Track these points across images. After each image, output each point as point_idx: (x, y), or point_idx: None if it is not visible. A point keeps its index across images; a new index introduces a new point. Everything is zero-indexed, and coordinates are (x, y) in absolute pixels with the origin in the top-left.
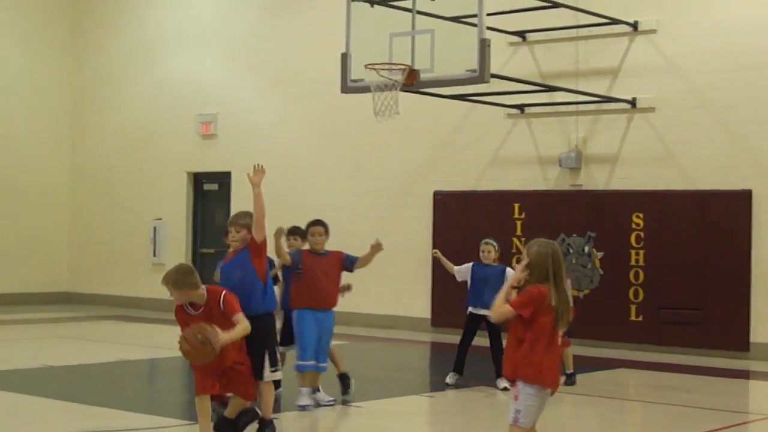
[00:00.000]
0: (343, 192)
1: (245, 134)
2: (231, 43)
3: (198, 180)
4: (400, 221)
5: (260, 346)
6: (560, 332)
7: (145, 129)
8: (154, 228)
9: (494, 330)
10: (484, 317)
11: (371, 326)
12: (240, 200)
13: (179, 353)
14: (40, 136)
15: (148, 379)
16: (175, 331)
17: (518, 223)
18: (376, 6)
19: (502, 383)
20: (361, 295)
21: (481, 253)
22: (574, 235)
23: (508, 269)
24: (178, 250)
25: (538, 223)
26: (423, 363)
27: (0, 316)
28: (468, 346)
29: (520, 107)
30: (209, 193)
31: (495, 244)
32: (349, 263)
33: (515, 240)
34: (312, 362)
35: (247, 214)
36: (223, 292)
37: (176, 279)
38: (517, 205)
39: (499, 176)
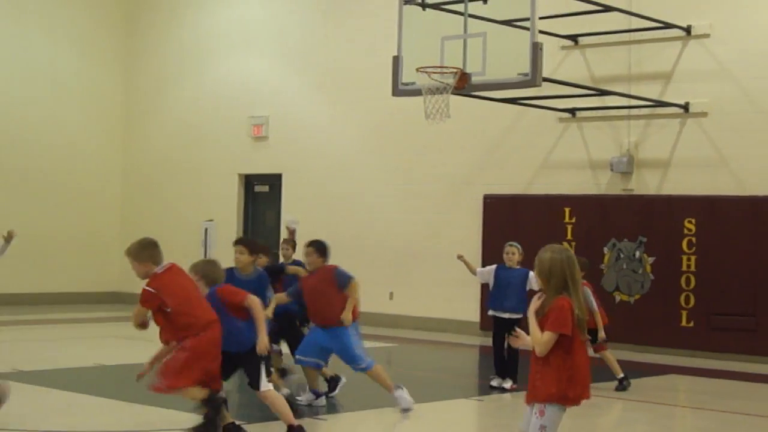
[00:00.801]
0: (393, 195)
1: (296, 137)
2: (283, 46)
3: (249, 182)
4: (449, 225)
5: (255, 360)
6: (582, 340)
7: (197, 131)
8: (206, 229)
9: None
10: (510, 320)
11: (420, 329)
12: (290, 202)
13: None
14: (94, 138)
15: None
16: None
17: (569, 227)
18: (428, 9)
19: (507, 383)
20: (410, 298)
21: (504, 255)
22: (625, 240)
23: (531, 273)
24: (228, 252)
25: (588, 228)
26: (472, 366)
27: (53, 315)
28: (502, 349)
29: (572, 111)
30: (260, 194)
31: (519, 246)
32: (341, 282)
33: (565, 244)
34: (309, 359)
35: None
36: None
37: (137, 251)
38: (567, 210)
39: (549, 180)
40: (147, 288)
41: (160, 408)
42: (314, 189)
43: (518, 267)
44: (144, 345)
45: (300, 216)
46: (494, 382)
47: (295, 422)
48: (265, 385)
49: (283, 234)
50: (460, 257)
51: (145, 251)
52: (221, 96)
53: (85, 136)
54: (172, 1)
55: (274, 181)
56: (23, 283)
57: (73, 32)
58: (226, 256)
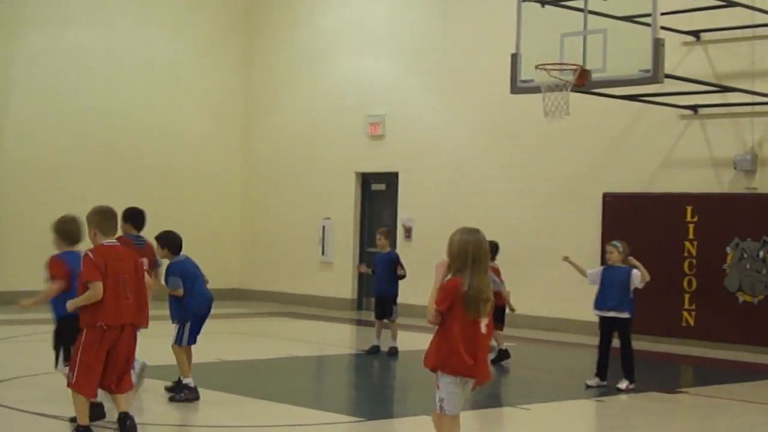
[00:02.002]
0: (510, 193)
1: (413, 135)
2: (400, 44)
3: (366, 180)
4: (568, 223)
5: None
6: (481, 320)
7: (315, 129)
8: (323, 227)
9: (624, 333)
10: (615, 319)
11: (536, 329)
12: (407, 200)
13: (347, 351)
14: (214, 137)
15: (317, 376)
16: (340, 329)
17: (690, 226)
18: (547, 6)
19: (623, 384)
20: (526, 298)
21: (606, 255)
22: (749, 239)
23: (634, 271)
24: (345, 249)
25: (711, 227)
26: (591, 366)
27: None
28: (606, 349)
29: (694, 108)
30: (377, 193)
31: (619, 245)
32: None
33: (687, 244)
34: None
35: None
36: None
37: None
38: (689, 208)
39: (671, 178)
40: None
41: (278, 403)
42: (430, 187)
43: (621, 266)
44: (264, 341)
45: (416, 214)
46: (590, 381)
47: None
48: (61, 368)
49: (400, 232)
50: (565, 259)
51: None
52: (338, 95)
53: (206, 136)
54: (291, 0)
55: (391, 179)
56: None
57: (193, 32)
58: (344, 254)
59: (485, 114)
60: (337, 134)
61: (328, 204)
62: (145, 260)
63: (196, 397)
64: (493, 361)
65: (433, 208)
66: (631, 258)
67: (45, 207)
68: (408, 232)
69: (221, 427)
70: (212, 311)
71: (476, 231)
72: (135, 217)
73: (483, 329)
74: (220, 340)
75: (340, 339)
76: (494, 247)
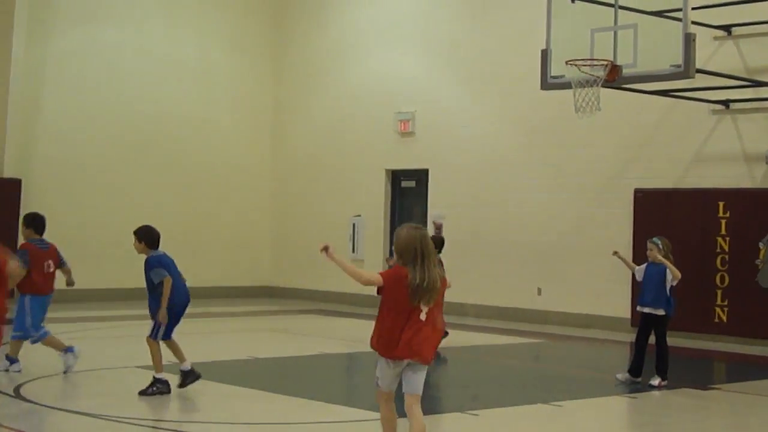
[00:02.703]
0: (540, 189)
1: (443, 132)
2: (430, 41)
3: (396, 177)
4: (599, 219)
5: None
6: (422, 308)
7: (345, 126)
8: (354, 224)
9: (659, 330)
10: (652, 316)
11: (569, 325)
12: (437, 197)
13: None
14: (244, 135)
15: (348, 373)
16: (371, 326)
17: (722, 222)
18: (576, 1)
19: (655, 380)
20: (558, 294)
21: (647, 251)
22: None
23: (670, 267)
24: (376, 246)
25: (743, 222)
26: (623, 363)
27: (207, 309)
28: (643, 346)
29: (725, 103)
30: (407, 190)
31: (659, 242)
32: None
33: (719, 239)
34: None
35: None
36: None
37: None
38: (721, 204)
39: (702, 173)
40: None
41: (310, 400)
42: (461, 184)
43: (661, 263)
44: (295, 338)
45: (446, 211)
46: (619, 375)
47: None
48: None
49: (430, 228)
50: (615, 253)
51: None
52: (368, 92)
53: (236, 132)
54: None
55: (421, 176)
56: None
57: (224, 30)
58: (374, 251)
59: (515, 110)
60: (367, 131)
61: (358, 201)
62: (50, 262)
63: (168, 391)
64: None
65: (463, 204)
66: (657, 255)
67: (77, 205)
68: (438, 228)
69: (253, 425)
70: (244, 308)
71: (420, 228)
72: (36, 222)
73: (422, 317)
74: (251, 338)
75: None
76: (440, 242)
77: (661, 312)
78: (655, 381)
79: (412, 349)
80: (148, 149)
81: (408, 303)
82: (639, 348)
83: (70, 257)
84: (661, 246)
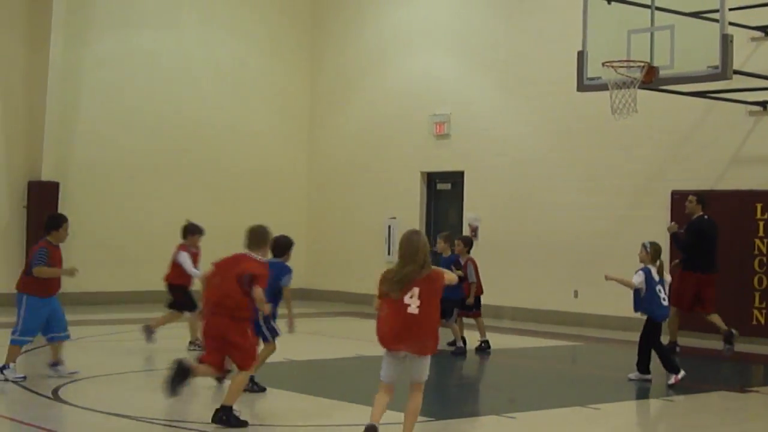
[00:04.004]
0: (577, 191)
1: (478, 134)
2: (465, 44)
3: (431, 179)
4: (636, 221)
5: None
6: (410, 301)
7: (381, 129)
8: (389, 227)
9: (643, 332)
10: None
11: (606, 328)
12: (472, 199)
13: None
14: (280, 137)
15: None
16: None
17: (761, 224)
18: (613, 3)
19: (669, 379)
20: (595, 296)
21: None
22: None
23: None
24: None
25: None
26: (659, 365)
27: None
28: (641, 346)
29: (763, 104)
30: (442, 192)
31: (647, 245)
32: None
33: (757, 241)
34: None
35: None
36: None
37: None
38: (759, 205)
39: (740, 175)
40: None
41: (347, 403)
42: (496, 186)
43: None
44: (331, 341)
45: (482, 213)
46: (632, 375)
47: None
48: None
49: (465, 231)
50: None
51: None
52: (404, 94)
53: (272, 136)
54: (356, 0)
55: (457, 178)
56: None
57: (260, 33)
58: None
59: (551, 112)
60: (402, 134)
61: (394, 203)
62: None
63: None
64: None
65: (498, 207)
66: (644, 259)
67: (114, 209)
68: (474, 231)
69: (290, 426)
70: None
71: (416, 232)
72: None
73: (413, 310)
74: (287, 340)
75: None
76: (469, 242)
77: (644, 315)
78: (670, 379)
79: (403, 341)
80: (184, 153)
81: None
82: (638, 348)
83: (107, 260)
84: (649, 250)
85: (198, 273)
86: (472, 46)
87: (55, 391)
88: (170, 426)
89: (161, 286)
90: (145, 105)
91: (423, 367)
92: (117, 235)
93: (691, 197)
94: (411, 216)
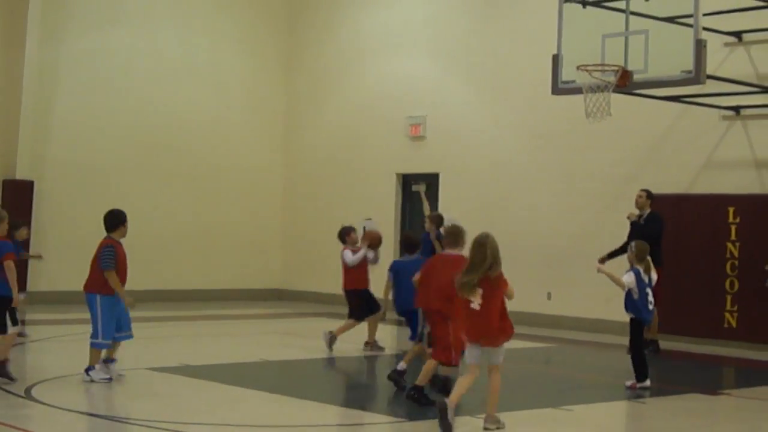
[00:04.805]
0: (551, 194)
1: (454, 136)
2: (441, 46)
3: (407, 181)
4: (609, 224)
5: None
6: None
7: (356, 130)
8: (364, 227)
9: (641, 333)
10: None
11: (579, 330)
12: (448, 201)
13: (388, 351)
14: (256, 138)
15: (358, 376)
16: (381, 329)
17: (733, 227)
18: (588, 7)
19: (630, 381)
20: (569, 298)
21: None
22: None
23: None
24: (387, 249)
25: (753, 228)
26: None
27: (218, 311)
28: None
29: (736, 109)
30: (417, 194)
31: (632, 246)
32: None
33: (729, 245)
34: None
35: None
36: None
37: None
38: (731, 209)
39: (713, 179)
40: None
41: (320, 403)
42: (472, 188)
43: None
44: (306, 341)
45: (457, 215)
46: (629, 383)
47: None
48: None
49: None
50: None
51: None
52: (379, 96)
53: (248, 136)
54: (333, 2)
55: (432, 180)
56: (189, 280)
57: (236, 34)
58: (384, 254)
59: (526, 115)
60: (377, 135)
61: (369, 205)
62: None
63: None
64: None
65: (473, 208)
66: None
67: (89, 208)
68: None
69: (262, 427)
70: (255, 311)
71: (485, 239)
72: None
73: (475, 306)
74: (261, 340)
75: (381, 339)
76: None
77: (630, 315)
78: (629, 382)
79: (478, 332)
80: (160, 151)
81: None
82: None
83: (81, 258)
84: (633, 250)
85: (356, 259)
86: (448, 49)
87: (27, 391)
88: (143, 426)
89: (135, 285)
90: (121, 104)
91: (497, 353)
92: (92, 234)
93: (641, 192)
94: (386, 217)
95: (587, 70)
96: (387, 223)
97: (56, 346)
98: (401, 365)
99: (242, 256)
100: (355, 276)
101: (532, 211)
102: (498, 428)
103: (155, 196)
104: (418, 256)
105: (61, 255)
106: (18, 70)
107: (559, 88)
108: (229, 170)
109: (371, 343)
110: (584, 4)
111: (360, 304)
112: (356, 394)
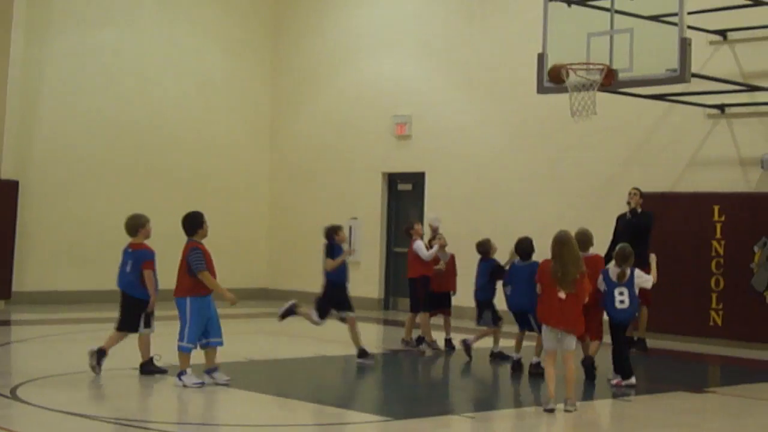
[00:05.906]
0: (537, 193)
1: (439, 135)
2: (427, 45)
3: (392, 180)
4: (595, 223)
5: None
6: (560, 290)
7: (342, 129)
8: (350, 227)
9: (617, 331)
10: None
11: None
12: (433, 200)
13: (374, 350)
14: (241, 137)
15: (345, 375)
16: (368, 329)
17: (718, 225)
18: (573, 6)
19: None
20: None
21: None
22: None
23: (637, 270)
24: (372, 249)
25: (738, 226)
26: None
27: None
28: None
29: (721, 107)
30: (403, 193)
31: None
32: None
33: (714, 243)
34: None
35: None
36: None
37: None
38: (716, 207)
39: (698, 177)
40: None
41: (306, 403)
42: (457, 187)
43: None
44: (292, 341)
45: (443, 214)
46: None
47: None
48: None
49: (426, 231)
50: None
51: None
52: (365, 95)
53: (234, 135)
54: (318, 2)
55: (418, 179)
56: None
57: (221, 32)
58: (371, 253)
59: (512, 114)
60: (363, 135)
61: (354, 204)
62: None
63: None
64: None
65: (459, 208)
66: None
67: (73, 208)
68: (435, 232)
69: (250, 426)
70: (241, 310)
71: (558, 233)
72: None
73: (562, 295)
74: (248, 340)
75: (367, 338)
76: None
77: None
78: (615, 380)
79: (559, 320)
80: (145, 152)
81: (550, 285)
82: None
83: (66, 258)
84: (615, 254)
85: (431, 254)
86: (434, 48)
87: (13, 391)
88: (128, 426)
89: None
90: (106, 104)
91: (571, 341)
92: (76, 234)
93: (635, 190)
94: (372, 216)
95: (573, 69)
96: (373, 222)
97: (42, 346)
98: (516, 355)
99: (228, 256)
100: (416, 265)
101: (518, 209)
102: (576, 409)
103: (140, 196)
104: (532, 261)
105: (46, 255)
106: (2, 70)
107: (544, 86)
108: (215, 170)
109: (406, 340)
110: (569, 3)
111: (419, 295)
112: (343, 393)
